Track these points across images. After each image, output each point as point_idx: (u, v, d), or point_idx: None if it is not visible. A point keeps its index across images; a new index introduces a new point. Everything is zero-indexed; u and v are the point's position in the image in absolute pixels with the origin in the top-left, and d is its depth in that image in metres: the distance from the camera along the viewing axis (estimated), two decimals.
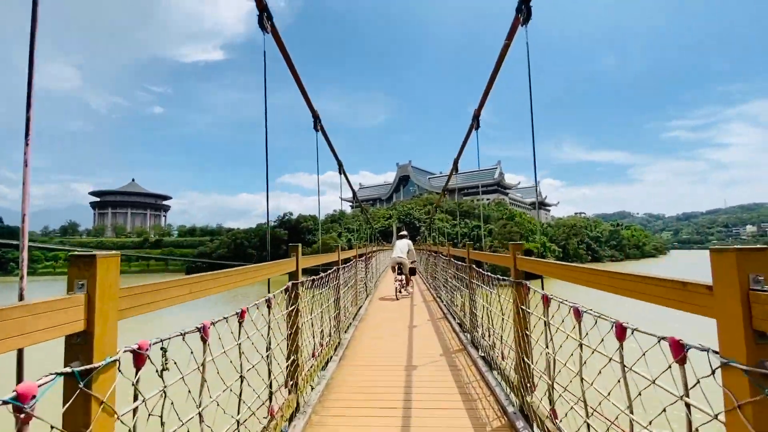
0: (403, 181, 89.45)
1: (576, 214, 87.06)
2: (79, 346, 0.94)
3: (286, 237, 52.95)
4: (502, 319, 3.32)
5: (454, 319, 6.04)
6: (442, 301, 7.83)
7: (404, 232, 10.17)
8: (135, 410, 1.10)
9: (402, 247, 9.21)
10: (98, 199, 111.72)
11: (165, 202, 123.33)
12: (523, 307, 2.69)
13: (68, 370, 0.88)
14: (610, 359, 1.54)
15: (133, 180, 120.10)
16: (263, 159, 2.95)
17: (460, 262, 5.51)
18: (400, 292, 8.67)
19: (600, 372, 1.65)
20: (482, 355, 4.10)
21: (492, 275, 3.60)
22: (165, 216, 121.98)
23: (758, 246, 0.98)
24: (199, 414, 1.46)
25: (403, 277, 8.97)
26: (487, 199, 58.40)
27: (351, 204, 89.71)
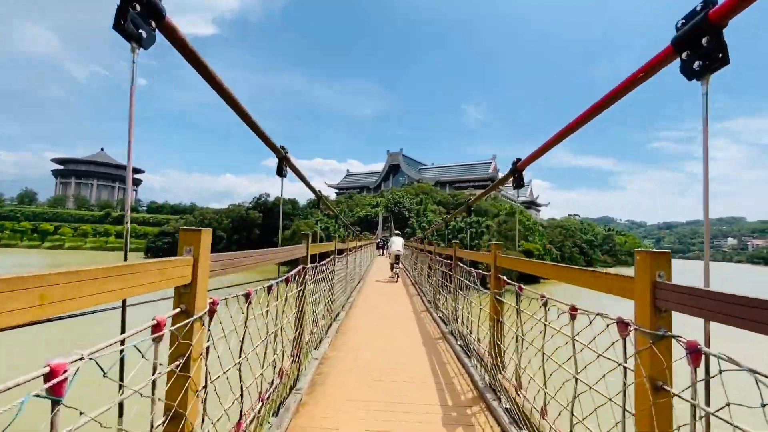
0: (393, 170, 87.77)
1: (569, 215, 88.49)
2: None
3: (260, 221, 49.89)
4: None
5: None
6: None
7: (398, 231, 15.57)
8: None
9: (399, 243, 12.32)
10: (61, 167, 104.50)
11: (137, 176, 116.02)
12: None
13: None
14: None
15: (102, 149, 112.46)
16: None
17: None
18: (397, 275, 11.65)
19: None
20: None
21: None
22: (136, 190, 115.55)
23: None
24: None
25: (399, 264, 11.97)
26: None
27: (336, 191, 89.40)
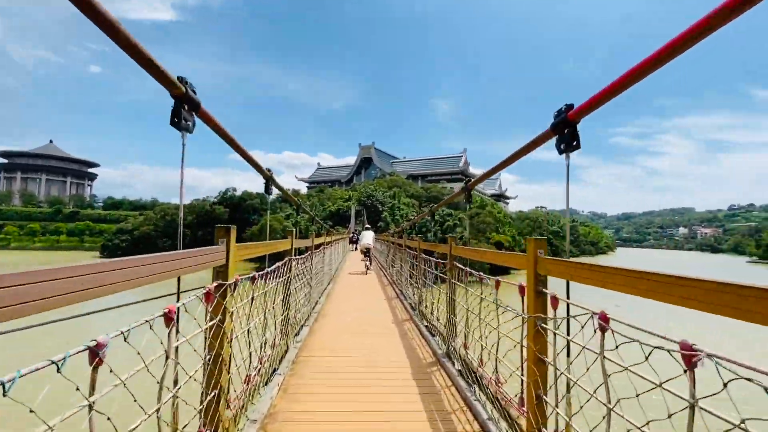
0: (365, 163, 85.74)
1: (537, 207, 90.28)
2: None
3: (227, 216, 47.47)
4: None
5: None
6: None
7: (368, 226, 16.04)
8: None
9: (369, 236, 12.99)
10: (4, 161, 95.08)
11: (91, 170, 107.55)
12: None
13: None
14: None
15: (50, 141, 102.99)
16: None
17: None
18: (368, 268, 12.08)
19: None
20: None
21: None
22: (90, 185, 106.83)
23: None
24: None
25: (369, 258, 12.55)
26: (452, 188, 57.44)
27: (308, 185, 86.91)
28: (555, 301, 1.90)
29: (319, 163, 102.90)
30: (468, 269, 3.36)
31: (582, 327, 1.61)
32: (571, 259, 1.90)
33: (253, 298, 2.39)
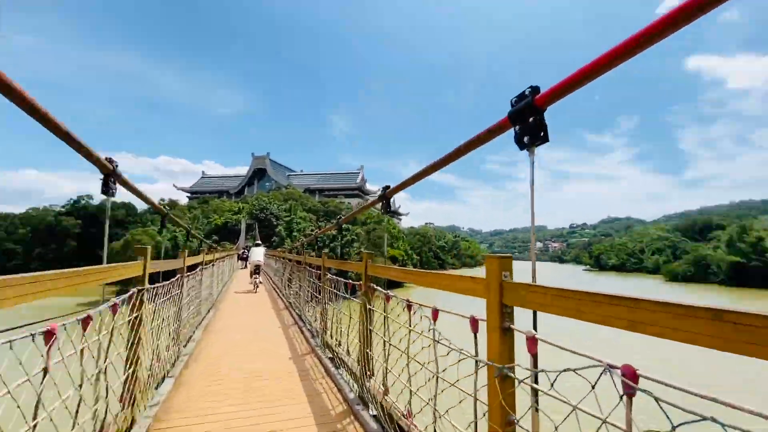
0: (258, 174, 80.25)
1: (426, 224, 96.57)
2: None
3: (78, 229, 38.85)
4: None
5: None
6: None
7: (259, 242, 15.71)
8: None
9: (260, 253, 12.76)
10: None
11: None
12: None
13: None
14: None
15: None
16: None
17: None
18: (257, 286, 11.68)
19: None
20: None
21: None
22: None
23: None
24: None
25: (259, 274, 12.04)
26: (349, 203, 57.31)
27: (189, 195, 77.82)
28: (533, 343, 1.38)
29: (203, 172, 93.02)
30: (390, 293, 2.75)
31: (593, 387, 1.11)
32: (541, 284, 1.42)
33: (46, 370, 1.35)
